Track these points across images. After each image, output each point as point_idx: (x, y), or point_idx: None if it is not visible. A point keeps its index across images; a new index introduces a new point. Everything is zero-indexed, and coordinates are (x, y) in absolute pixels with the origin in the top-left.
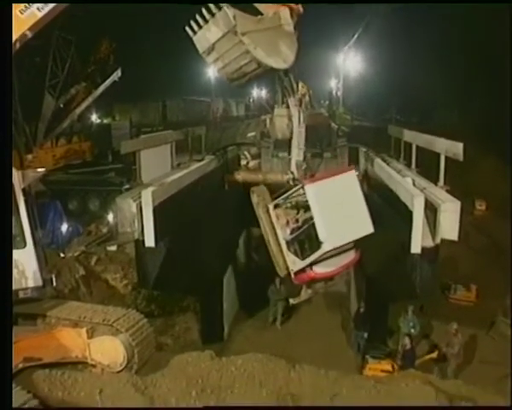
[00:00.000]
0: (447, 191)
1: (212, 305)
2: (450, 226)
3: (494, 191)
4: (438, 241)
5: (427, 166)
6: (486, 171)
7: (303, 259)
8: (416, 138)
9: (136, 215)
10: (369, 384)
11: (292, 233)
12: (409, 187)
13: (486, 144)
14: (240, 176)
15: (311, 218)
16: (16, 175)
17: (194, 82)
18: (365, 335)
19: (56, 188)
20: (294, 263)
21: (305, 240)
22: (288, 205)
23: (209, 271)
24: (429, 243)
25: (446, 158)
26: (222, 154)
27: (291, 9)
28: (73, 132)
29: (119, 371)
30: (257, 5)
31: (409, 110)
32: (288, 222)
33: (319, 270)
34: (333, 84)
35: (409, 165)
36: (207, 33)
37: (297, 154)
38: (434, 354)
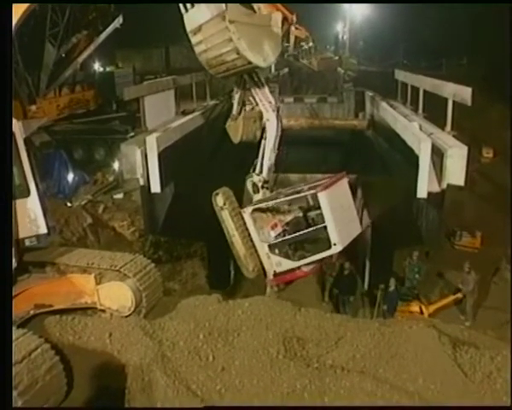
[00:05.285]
0: (454, 137)
1: (218, 250)
2: (456, 172)
3: (502, 139)
4: (444, 186)
5: (434, 112)
6: (494, 118)
7: (298, 260)
8: (424, 83)
9: (142, 161)
10: (373, 327)
11: (278, 236)
12: (415, 131)
13: (496, 92)
14: None
15: (307, 222)
16: (17, 125)
17: None
18: (351, 298)
19: (61, 138)
20: (280, 264)
21: (304, 243)
22: (271, 209)
23: (215, 216)
24: (435, 188)
25: (454, 104)
26: (227, 99)
27: (285, 17)
28: (76, 81)
29: (127, 316)
30: (253, 5)
31: (416, 55)
32: (275, 225)
33: (306, 269)
34: (339, 28)
35: (415, 110)
36: (198, 13)
37: (269, 158)
38: (460, 295)
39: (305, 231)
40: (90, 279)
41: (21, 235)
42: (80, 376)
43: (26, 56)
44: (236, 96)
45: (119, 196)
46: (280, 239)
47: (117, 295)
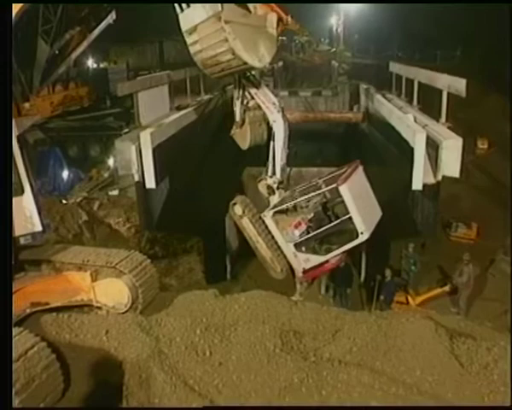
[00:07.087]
0: (449, 128)
1: (214, 244)
2: (451, 163)
3: (496, 130)
4: (439, 178)
5: (429, 105)
6: (489, 109)
7: (326, 254)
8: (418, 74)
9: (136, 157)
10: (370, 320)
11: (303, 234)
12: (410, 123)
13: (490, 83)
14: None
15: (327, 214)
16: None
17: None
18: (348, 291)
19: (56, 135)
20: (309, 260)
21: (329, 235)
22: (292, 208)
23: (211, 210)
24: (430, 180)
25: (448, 96)
26: (221, 94)
27: (280, 17)
28: (70, 78)
29: (124, 313)
30: (249, 5)
31: (411, 47)
32: (299, 224)
33: (333, 260)
34: (333, 20)
35: (410, 102)
36: (193, 13)
37: (281, 158)
38: (447, 288)
39: (331, 224)
40: (85, 276)
41: (16, 233)
42: (77, 374)
43: (19, 53)
44: (238, 103)
45: (115, 192)
46: (305, 237)
47: (113, 292)
